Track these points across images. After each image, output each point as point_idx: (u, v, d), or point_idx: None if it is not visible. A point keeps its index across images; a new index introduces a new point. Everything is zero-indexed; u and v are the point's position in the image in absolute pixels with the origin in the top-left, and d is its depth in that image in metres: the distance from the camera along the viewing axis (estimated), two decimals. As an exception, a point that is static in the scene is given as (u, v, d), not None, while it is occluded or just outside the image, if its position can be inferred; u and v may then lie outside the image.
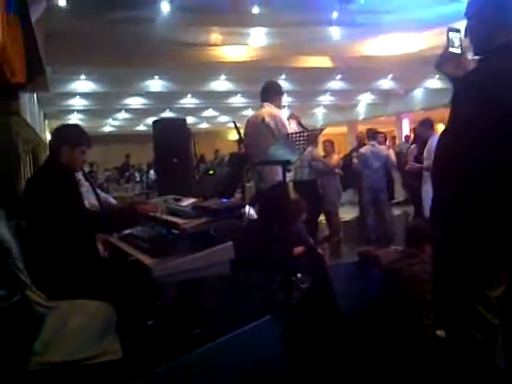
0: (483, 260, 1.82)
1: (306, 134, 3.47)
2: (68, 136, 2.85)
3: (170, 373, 1.97)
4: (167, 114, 17.70)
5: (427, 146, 5.49)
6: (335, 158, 6.66)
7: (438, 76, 13.40)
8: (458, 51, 2.02)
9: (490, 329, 1.83)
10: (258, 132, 4.01)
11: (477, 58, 1.98)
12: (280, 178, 3.84)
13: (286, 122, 4.05)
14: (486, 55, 1.92)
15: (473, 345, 1.82)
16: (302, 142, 3.33)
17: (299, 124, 4.32)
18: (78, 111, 16.36)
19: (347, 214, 8.30)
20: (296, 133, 3.55)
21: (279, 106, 4.21)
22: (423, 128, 5.86)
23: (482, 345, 1.82)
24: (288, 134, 3.59)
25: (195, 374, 1.99)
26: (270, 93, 4.21)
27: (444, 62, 2.03)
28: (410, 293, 2.94)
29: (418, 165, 5.79)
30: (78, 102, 14.52)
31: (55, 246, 2.54)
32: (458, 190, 1.83)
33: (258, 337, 2.16)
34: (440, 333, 2.81)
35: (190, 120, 20.03)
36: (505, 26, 1.88)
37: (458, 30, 2.05)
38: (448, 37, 2.03)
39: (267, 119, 3.96)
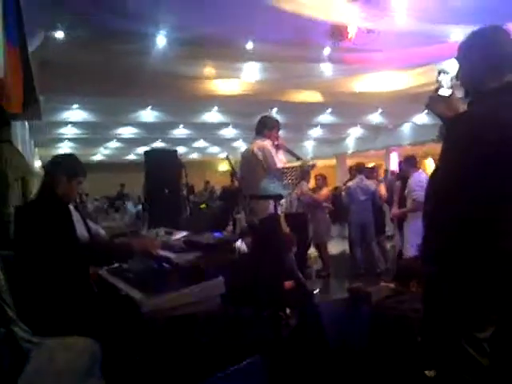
0: (474, 301, 1.83)
1: (298, 168, 3.52)
2: (65, 166, 2.80)
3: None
4: (158, 143, 17.77)
5: (408, 184, 5.57)
6: (324, 191, 6.73)
7: (426, 112, 13.69)
8: (448, 93, 2.08)
9: (479, 369, 1.83)
10: (248, 165, 4.10)
11: (467, 100, 2.03)
12: (271, 210, 3.87)
13: (273, 152, 4.08)
14: (475, 99, 1.97)
15: None
16: (293, 177, 3.36)
17: (287, 151, 4.33)
18: (69, 139, 16.35)
19: (336, 247, 8.31)
20: (288, 167, 3.59)
21: (272, 140, 4.22)
22: (405, 165, 5.96)
23: None
24: (280, 169, 3.63)
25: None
26: (263, 128, 4.28)
27: (434, 103, 2.09)
28: (399, 331, 2.92)
29: (398, 211, 5.88)
30: (69, 131, 14.53)
31: (46, 279, 2.48)
32: (448, 229, 1.85)
33: (248, 376, 2.13)
34: (429, 373, 2.79)
35: (180, 150, 20.08)
36: (493, 71, 1.94)
37: (447, 72, 2.12)
38: (438, 79, 2.09)
39: (255, 150, 4.05)
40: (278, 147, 4.21)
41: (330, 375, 2.94)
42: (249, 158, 4.12)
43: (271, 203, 3.86)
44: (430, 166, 14.75)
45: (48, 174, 2.83)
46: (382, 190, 6.89)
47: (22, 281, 2.48)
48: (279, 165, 3.97)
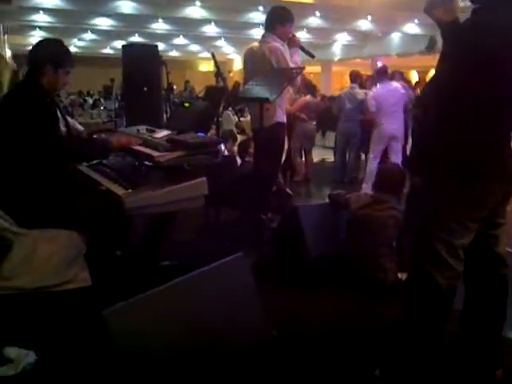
0: (450, 207, 1.87)
1: (290, 71, 3.36)
2: (52, 54, 2.55)
3: (138, 306, 1.99)
4: (136, 38, 16.89)
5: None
6: (300, 101, 6.39)
7: (417, 21, 13.22)
8: None
9: (452, 274, 1.91)
10: (255, 67, 3.66)
11: (471, 5, 1.93)
12: (279, 119, 3.73)
13: (288, 57, 3.62)
14: (481, 5, 1.87)
15: (432, 287, 1.91)
16: (283, 81, 3.22)
17: (301, 48, 3.78)
18: (41, 28, 15.34)
19: (319, 156, 8.37)
20: (280, 69, 3.42)
21: (285, 37, 3.70)
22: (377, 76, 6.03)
23: (441, 288, 1.90)
24: (271, 70, 3.44)
25: (164, 307, 2.03)
26: (277, 21, 3.68)
27: (433, 6, 1.99)
28: (375, 237, 3.02)
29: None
30: (41, 18, 13.58)
31: (28, 172, 2.41)
32: (440, 140, 1.85)
33: (230, 272, 2.19)
34: (401, 275, 2.94)
35: (159, 46, 19.22)
36: None
37: None
38: None
39: (268, 53, 3.58)
40: (290, 43, 3.74)
41: (309, 276, 3.07)
42: (257, 60, 3.66)
43: (279, 111, 3.71)
44: (414, 78, 14.53)
45: (32, 62, 2.57)
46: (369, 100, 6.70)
47: (4, 173, 2.42)
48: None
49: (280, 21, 3.72)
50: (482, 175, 1.85)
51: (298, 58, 3.82)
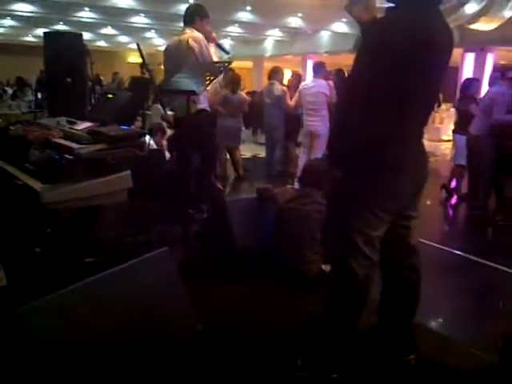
0: (366, 199, 1.96)
1: (215, 65, 3.36)
2: None
3: (57, 303, 1.91)
4: (60, 26, 16.11)
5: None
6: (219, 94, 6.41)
7: (345, 20, 13.61)
8: None
9: (368, 263, 2.00)
10: (178, 57, 3.71)
11: (387, 5, 2.01)
12: (203, 106, 3.80)
13: (210, 48, 3.77)
14: (395, 4, 1.95)
15: (349, 275, 1.98)
16: (210, 73, 3.21)
17: (217, 45, 3.97)
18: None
19: (249, 152, 8.42)
20: (220, 63, 3.42)
21: (204, 32, 3.86)
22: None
23: (358, 276, 1.98)
24: (216, 64, 3.43)
25: (84, 303, 1.96)
26: (194, 16, 3.88)
27: (353, 5, 2.07)
28: (300, 230, 3.10)
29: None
30: (-48, 1, 12.62)
31: None
32: (354, 133, 1.91)
33: (155, 267, 2.16)
34: (325, 267, 3.04)
35: (85, 36, 18.44)
36: None
37: None
38: None
39: (191, 42, 3.69)
40: (208, 40, 3.87)
41: (235, 269, 3.10)
42: (179, 50, 3.75)
43: (201, 98, 3.76)
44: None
45: None
46: (289, 96, 6.83)
47: None
48: (215, 59, 3.72)
49: (199, 15, 3.90)
50: (395, 169, 1.94)
51: (215, 50, 3.94)
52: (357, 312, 2.05)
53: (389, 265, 2.19)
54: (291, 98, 6.54)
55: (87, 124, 2.88)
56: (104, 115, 2.98)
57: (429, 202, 6.13)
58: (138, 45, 3.54)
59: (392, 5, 1.94)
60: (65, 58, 5.68)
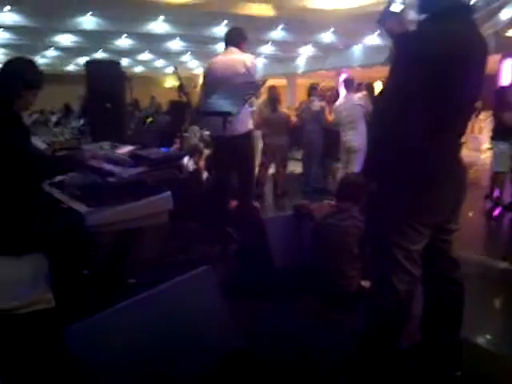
0: (405, 213, 1.94)
1: (254, 84, 3.42)
2: (24, 74, 2.43)
3: (105, 321, 1.98)
4: (100, 54, 16.78)
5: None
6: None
7: (377, 33, 13.57)
8: (399, 9, 2.07)
9: (410, 278, 1.98)
10: (232, 75, 3.71)
11: (420, 17, 2.02)
12: (248, 127, 3.87)
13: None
14: (428, 17, 1.96)
15: (390, 291, 1.96)
16: (247, 94, 3.26)
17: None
18: (2, 46, 15.09)
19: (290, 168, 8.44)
20: (245, 83, 3.47)
21: (251, 55, 3.99)
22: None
23: (399, 293, 1.95)
24: (234, 84, 3.49)
25: (130, 323, 2.01)
26: (242, 39, 4.00)
27: (385, 18, 2.09)
28: (338, 245, 3.08)
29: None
30: (2, 35, 13.34)
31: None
32: (391, 146, 1.91)
33: (197, 285, 2.20)
34: (364, 283, 3.00)
35: (124, 62, 19.09)
36: None
37: None
38: None
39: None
40: None
41: (275, 287, 3.10)
42: (234, 70, 3.76)
43: (249, 119, 3.86)
44: (378, 88, 14.87)
45: (3, 81, 2.44)
46: (327, 111, 6.84)
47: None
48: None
49: (243, 38, 4.02)
50: (432, 180, 1.93)
51: None
52: (399, 328, 2.02)
53: (430, 279, 2.16)
54: (330, 113, 6.55)
55: (129, 147, 2.98)
56: (144, 138, 3.09)
57: (471, 214, 5.96)
58: (175, 68, 3.67)
59: (424, 17, 1.95)
60: (105, 85, 5.92)
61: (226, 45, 4.00)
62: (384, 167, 1.95)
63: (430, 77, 1.78)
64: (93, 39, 14.16)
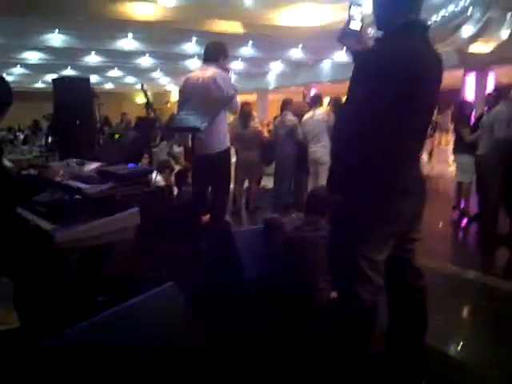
0: (370, 226, 1.99)
1: (223, 99, 3.45)
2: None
3: (73, 337, 1.95)
4: (69, 71, 16.63)
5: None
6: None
7: (345, 49, 13.88)
8: (358, 26, 2.13)
9: (374, 288, 2.02)
10: (204, 92, 3.69)
11: (378, 35, 2.09)
12: (226, 145, 3.85)
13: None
14: (385, 33, 2.03)
15: (356, 301, 2.00)
16: (216, 109, 3.30)
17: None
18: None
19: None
20: (214, 98, 3.50)
21: (224, 70, 3.87)
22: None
23: (364, 302, 1.99)
24: (205, 99, 3.52)
25: (95, 339, 1.99)
26: (221, 55, 3.86)
27: (345, 36, 2.14)
28: (308, 258, 3.12)
29: None
30: (-34, 53, 13.13)
31: None
32: (353, 160, 1.96)
33: (162, 302, 2.19)
34: (335, 294, 3.03)
35: (93, 79, 18.98)
36: (404, 7, 1.99)
37: (359, 5, 2.15)
38: (349, 12, 2.13)
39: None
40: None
41: (244, 299, 3.10)
42: (206, 87, 3.69)
43: (227, 137, 3.85)
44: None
45: None
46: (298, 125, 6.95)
47: None
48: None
49: (224, 55, 3.90)
50: (395, 191, 1.98)
51: None
52: (364, 337, 2.05)
53: (394, 288, 2.21)
54: None
55: (96, 164, 2.97)
56: (112, 155, 3.08)
57: (441, 225, 6.11)
58: (142, 85, 3.68)
59: (381, 34, 2.02)
60: (73, 102, 5.89)
61: (204, 60, 3.91)
62: (346, 181, 2.00)
63: (388, 93, 1.84)
64: (61, 56, 14.05)
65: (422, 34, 2.02)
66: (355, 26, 2.12)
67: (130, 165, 2.91)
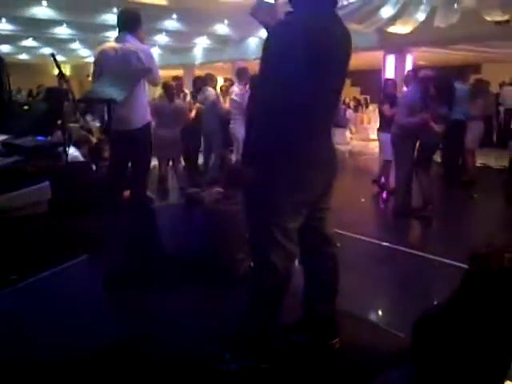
0: (282, 195, 2.04)
1: (138, 71, 3.35)
2: None
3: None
4: (-25, 39, 15.39)
5: None
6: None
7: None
8: (270, 1, 2.15)
9: (287, 254, 2.09)
10: (120, 65, 3.52)
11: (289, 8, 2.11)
12: (147, 119, 3.71)
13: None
14: (296, 7, 2.06)
15: (269, 268, 2.06)
16: (135, 79, 3.19)
17: None
18: None
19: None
20: (133, 70, 3.38)
21: (141, 40, 3.70)
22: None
23: (278, 268, 2.06)
24: (120, 71, 3.39)
25: (9, 311, 1.92)
26: (136, 24, 3.68)
27: (258, 10, 2.16)
28: (227, 230, 3.16)
29: None
30: None
31: None
32: (264, 131, 2.00)
33: (77, 274, 2.14)
34: (252, 264, 3.11)
35: (4, 49, 17.70)
36: None
37: None
38: None
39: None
40: None
41: (164, 272, 3.10)
42: (125, 58, 3.53)
43: (147, 111, 3.72)
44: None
45: None
46: (222, 101, 6.92)
47: None
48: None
49: (139, 24, 3.73)
50: (305, 163, 2.05)
51: None
52: (278, 303, 2.13)
53: (307, 255, 2.30)
54: (224, 102, 6.66)
55: (2, 137, 2.80)
56: (19, 127, 2.91)
57: (363, 199, 6.39)
58: (52, 55, 3.46)
59: (292, 8, 2.05)
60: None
61: (119, 30, 3.72)
62: (261, 153, 2.04)
63: (296, 63, 1.88)
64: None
65: (331, 8, 2.08)
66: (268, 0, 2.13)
67: (39, 137, 2.78)
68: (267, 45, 1.99)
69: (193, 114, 6.71)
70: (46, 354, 1.95)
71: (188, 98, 7.04)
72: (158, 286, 2.98)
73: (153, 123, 5.30)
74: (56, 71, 3.21)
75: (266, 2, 2.13)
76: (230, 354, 2.16)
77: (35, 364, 1.92)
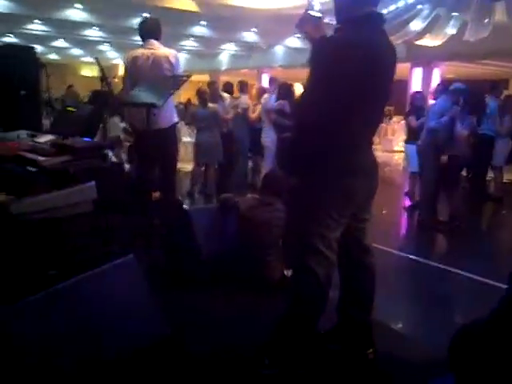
0: (324, 204, 2.09)
1: (178, 78, 3.46)
2: None
3: (26, 308, 1.94)
4: (9, 39, 15.74)
5: None
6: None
7: (298, 35, 13.99)
8: (318, 15, 2.19)
9: (327, 263, 2.13)
10: (152, 70, 3.74)
11: (337, 24, 2.16)
12: (173, 121, 3.91)
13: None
14: (345, 23, 2.11)
15: (311, 276, 2.10)
16: (171, 88, 3.29)
17: None
18: None
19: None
20: (169, 77, 3.50)
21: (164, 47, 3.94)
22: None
23: (319, 276, 2.09)
24: (159, 77, 3.51)
25: (54, 310, 1.99)
26: (157, 30, 3.92)
27: (304, 23, 2.20)
28: (262, 237, 3.21)
29: None
30: None
31: None
32: (309, 143, 2.05)
33: (121, 274, 2.20)
34: (287, 272, 3.15)
35: (37, 48, 18.05)
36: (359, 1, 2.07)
37: None
38: (309, 0, 2.19)
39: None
40: None
41: (201, 276, 3.15)
42: (156, 63, 3.76)
43: (174, 114, 3.92)
44: (298, 90, 15.32)
45: None
46: (251, 110, 7.00)
47: None
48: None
49: (161, 31, 3.97)
50: (349, 173, 2.09)
51: None
52: (318, 310, 2.16)
53: (346, 265, 2.33)
54: (253, 112, 6.74)
55: (50, 137, 2.90)
56: (67, 128, 3.01)
57: (384, 211, 6.36)
58: (96, 59, 3.58)
59: (340, 24, 2.10)
60: (17, 71, 5.60)
61: (144, 37, 3.93)
62: (304, 164, 2.09)
63: (345, 78, 1.93)
64: (2, 23, 13.24)
65: (379, 24, 2.12)
66: (314, 14, 2.17)
67: (86, 139, 2.87)
68: (313, 59, 2.03)
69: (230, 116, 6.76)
70: (90, 352, 2.01)
71: (228, 101, 7.04)
72: (195, 289, 3.03)
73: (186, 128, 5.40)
74: (85, 72, 3.32)
75: (314, 16, 2.17)
76: (269, 359, 2.19)
77: (81, 362, 1.98)
